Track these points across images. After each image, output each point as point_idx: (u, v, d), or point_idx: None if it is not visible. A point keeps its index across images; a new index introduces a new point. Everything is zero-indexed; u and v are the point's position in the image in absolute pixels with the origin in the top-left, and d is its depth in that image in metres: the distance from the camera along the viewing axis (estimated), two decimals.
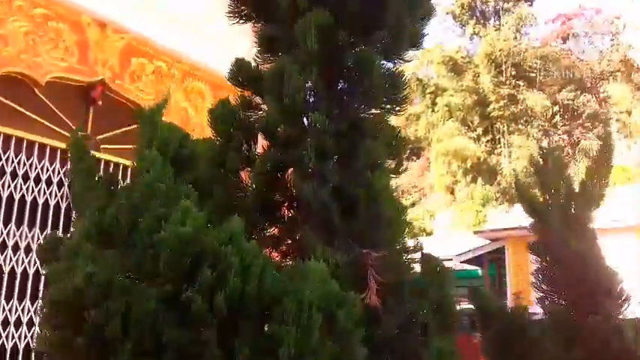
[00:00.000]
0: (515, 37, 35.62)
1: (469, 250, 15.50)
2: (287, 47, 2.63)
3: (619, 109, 33.01)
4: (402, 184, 38.85)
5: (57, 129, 5.45)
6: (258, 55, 2.93)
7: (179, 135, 2.41)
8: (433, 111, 37.67)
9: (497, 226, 15.71)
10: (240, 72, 2.80)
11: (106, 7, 5.65)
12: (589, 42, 39.82)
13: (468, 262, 15.81)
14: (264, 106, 2.72)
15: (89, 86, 5.60)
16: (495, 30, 36.48)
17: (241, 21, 3.04)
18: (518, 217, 17.37)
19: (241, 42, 4.95)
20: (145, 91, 6.06)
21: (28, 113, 5.25)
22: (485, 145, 34.33)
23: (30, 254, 5.14)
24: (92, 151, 5.43)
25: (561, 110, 35.54)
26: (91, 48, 5.57)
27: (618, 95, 34.76)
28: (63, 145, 5.45)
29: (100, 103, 5.70)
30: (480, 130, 34.72)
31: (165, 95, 2.79)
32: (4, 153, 5.09)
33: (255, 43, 3.06)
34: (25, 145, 5.21)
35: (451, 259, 16.24)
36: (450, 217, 31.26)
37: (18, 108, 5.17)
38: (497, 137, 34.50)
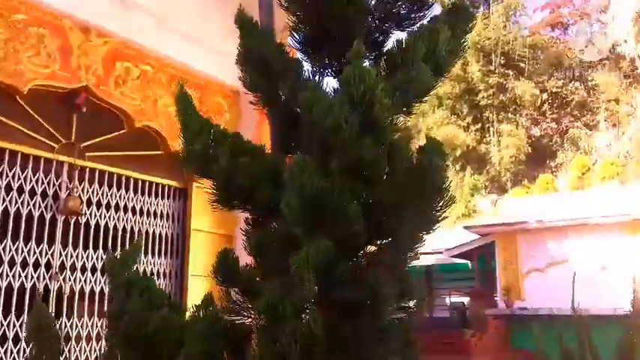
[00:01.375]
0: (505, 26, 35.50)
1: (459, 245, 15.54)
2: None
3: (607, 97, 33.09)
4: None
5: (40, 138, 5.31)
6: None
7: None
8: None
9: (486, 221, 15.74)
10: None
11: (88, 11, 5.49)
12: (577, 30, 39.83)
13: (458, 256, 15.86)
14: None
15: (72, 93, 5.46)
16: (484, 18, 36.31)
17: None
18: (507, 209, 17.46)
19: (229, 43, 4.84)
20: (130, 96, 5.93)
21: (10, 122, 5.10)
22: (475, 134, 34.34)
23: (14, 267, 5.03)
24: (77, 160, 5.34)
25: (550, 99, 35.57)
26: (74, 53, 5.42)
27: (606, 83, 34.86)
28: (46, 154, 5.32)
29: (84, 109, 5.55)
30: (469, 119, 34.69)
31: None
32: None
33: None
34: (7, 155, 5.07)
35: (441, 253, 16.29)
36: None
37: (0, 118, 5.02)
38: (487, 126, 34.48)
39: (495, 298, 14.66)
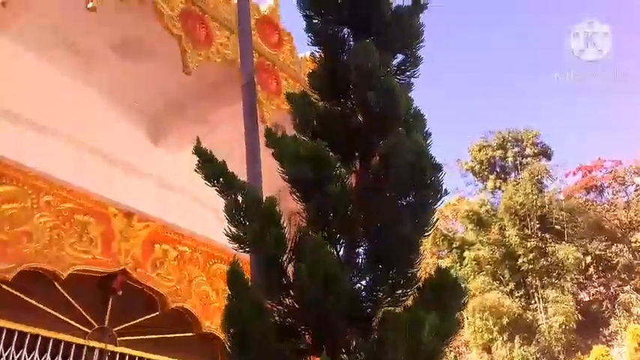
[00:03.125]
0: (535, 191, 35.91)
1: None
2: None
3: None
4: None
5: (73, 323, 5.28)
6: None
7: None
8: (461, 265, 37.05)
9: None
10: None
11: (132, 197, 5.77)
12: (613, 192, 39.91)
13: None
14: None
15: (110, 276, 5.53)
16: (516, 184, 36.97)
17: None
18: None
19: None
20: (166, 278, 5.97)
21: (45, 308, 5.13)
22: (519, 301, 33.07)
23: None
24: (108, 345, 5.23)
25: (594, 262, 34.59)
26: (116, 238, 5.60)
27: None
28: (78, 340, 5.26)
29: (120, 292, 5.58)
30: (512, 285, 33.69)
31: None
32: (17, 351, 4.89)
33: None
34: (39, 340, 5.02)
35: None
36: None
37: (35, 304, 5.06)
38: (531, 292, 33.30)
39: None
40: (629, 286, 31.40)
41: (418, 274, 2.17)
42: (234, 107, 4.78)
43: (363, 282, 2.11)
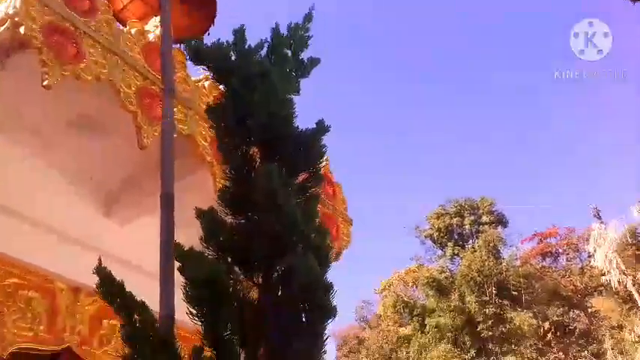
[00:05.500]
0: (491, 258, 36.53)
1: None
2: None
3: (610, 323, 32.55)
4: None
5: None
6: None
7: None
8: (423, 332, 36.83)
9: None
10: None
11: (80, 271, 5.68)
12: (567, 259, 40.90)
13: None
14: None
15: (53, 355, 5.37)
16: (473, 251, 37.56)
17: None
18: None
19: None
20: (112, 355, 5.82)
21: None
22: None
23: None
24: None
25: (553, 327, 34.93)
26: (61, 314, 5.48)
27: (606, 309, 34.60)
28: None
29: None
30: (473, 352, 33.55)
31: None
32: None
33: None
34: None
35: None
36: None
37: None
38: (492, 359, 33.19)
39: None
40: (586, 352, 31.67)
41: None
42: (189, 179, 4.88)
43: None
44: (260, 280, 2.51)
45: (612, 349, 28.98)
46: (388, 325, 40.85)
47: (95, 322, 5.76)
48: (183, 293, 2.41)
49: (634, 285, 27.79)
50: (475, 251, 37.45)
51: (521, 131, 67.00)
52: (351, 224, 6.13)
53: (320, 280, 2.35)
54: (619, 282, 27.56)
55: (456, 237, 41.31)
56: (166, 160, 3.01)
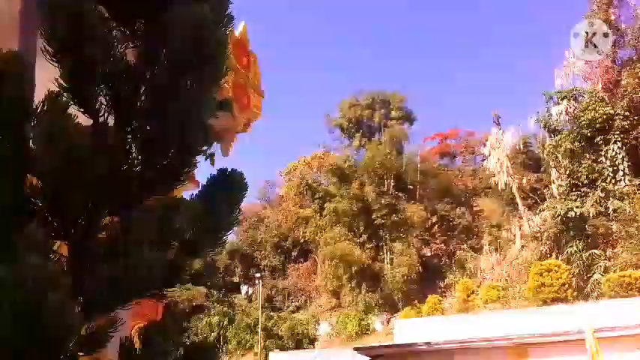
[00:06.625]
0: (394, 152, 38.11)
1: None
2: None
3: (490, 222, 35.65)
4: (288, 286, 38.67)
5: None
6: None
7: None
8: (321, 215, 38.57)
9: (377, 342, 15.74)
10: None
11: None
12: (463, 160, 43.51)
13: None
14: None
15: None
16: (378, 144, 38.89)
17: None
18: (397, 330, 17.70)
19: None
20: None
21: None
22: (370, 251, 35.32)
23: None
24: None
25: (439, 221, 37.75)
26: None
27: (489, 210, 37.71)
28: None
29: None
30: (365, 237, 35.81)
31: None
32: None
33: None
34: None
35: None
36: (334, 323, 31.17)
37: None
38: (381, 244, 35.69)
39: None
40: (465, 245, 34.80)
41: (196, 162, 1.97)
42: None
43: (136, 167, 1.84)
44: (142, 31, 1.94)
45: (489, 244, 31.94)
46: (289, 206, 42.31)
47: None
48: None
49: (518, 189, 30.26)
50: (380, 144, 38.84)
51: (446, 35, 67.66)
52: (263, 97, 6.04)
53: (212, 30, 1.85)
54: (505, 184, 29.83)
55: (364, 129, 42.37)
56: None
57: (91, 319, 1.53)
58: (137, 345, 1.67)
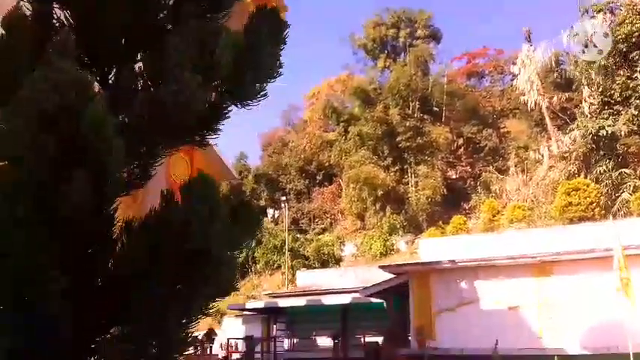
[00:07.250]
0: (420, 73, 37.14)
1: (375, 284, 15.67)
2: None
3: (517, 144, 35.07)
4: (313, 209, 39.15)
5: None
6: None
7: None
8: (345, 139, 38.40)
9: (402, 261, 15.93)
10: None
11: None
12: (491, 80, 42.30)
13: (374, 295, 15.98)
14: None
15: None
16: (404, 65, 37.88)
17: None
18: (422, 250, 17.87)
19: None
20: None
21: None
22: (395, 174, 35.29)
23: None
24: None
25: (465, 144, 37.31)
26: None
27: (517, 131, 37.02)
28: None
29: None
30: (389, 160, 35.69)
31: None
32: None
33: None
34: None
35: (357, 292, 16.37)
36: (359, 244, 31.68)
37: None
38: (405, 167, 35.57)
39: (409, 338, 14.80)
40: (491, 167, 34.47)
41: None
42: None
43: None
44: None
45: (515, 166, 31.52)
46: (314, 130, 42.14)
47: None
48: None
49: (548, 109, 29.45)
50: (405, 65, 37.81)
51: None
52: (287, 10, 5.78)
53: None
54: (535, 103, 29.00)
55: (389, 49, 41.20)
56: None
57: (134, 155, 1.48)
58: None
